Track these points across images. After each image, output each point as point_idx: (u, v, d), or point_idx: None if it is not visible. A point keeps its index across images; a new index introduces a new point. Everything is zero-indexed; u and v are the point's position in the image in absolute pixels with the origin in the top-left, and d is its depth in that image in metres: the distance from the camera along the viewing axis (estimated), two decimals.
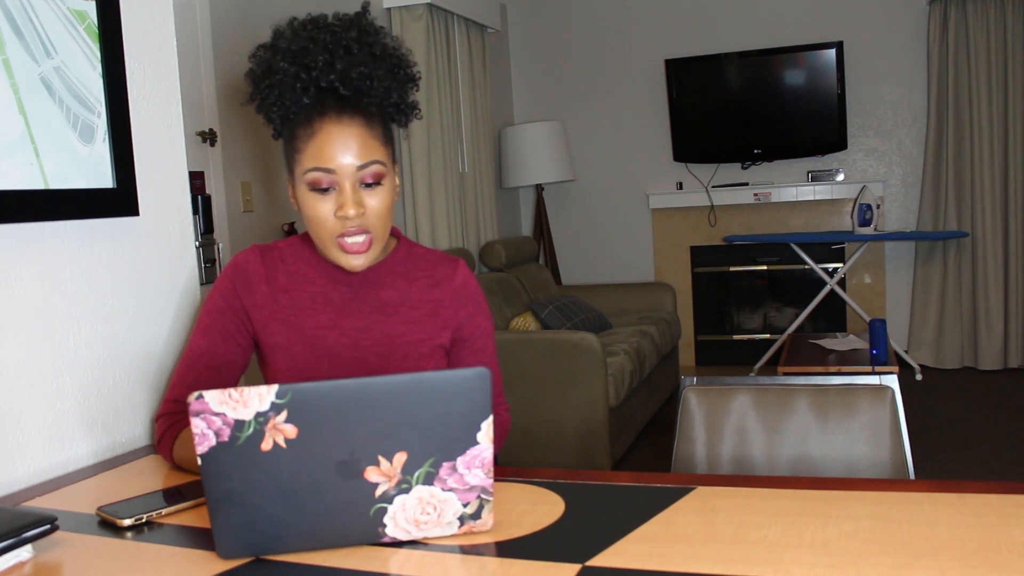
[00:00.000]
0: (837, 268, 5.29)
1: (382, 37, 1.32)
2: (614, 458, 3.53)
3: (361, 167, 1.26)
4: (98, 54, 1.44)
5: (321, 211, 1.27)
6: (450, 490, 0.97)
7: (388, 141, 1.32)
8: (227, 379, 1.39)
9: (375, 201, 1.28)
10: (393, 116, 1.35)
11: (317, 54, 1.26)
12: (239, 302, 1.38)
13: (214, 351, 1.38)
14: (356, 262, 1.30)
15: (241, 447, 0.91)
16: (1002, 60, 4.86)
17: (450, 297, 1.41)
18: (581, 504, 1.08)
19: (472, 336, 1.44)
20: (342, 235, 1.28)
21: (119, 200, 1.48)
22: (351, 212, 1.25)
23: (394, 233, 1.45)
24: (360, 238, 1.28)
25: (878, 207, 4.94)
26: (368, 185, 1.27)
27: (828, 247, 5.32)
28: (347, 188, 1.26)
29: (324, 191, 1.26)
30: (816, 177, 5.32)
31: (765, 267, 5.57)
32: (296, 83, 1.27)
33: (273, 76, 1.28)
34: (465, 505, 0.98)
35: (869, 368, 3.74)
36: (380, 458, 0.94)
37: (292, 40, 1.28)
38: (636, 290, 5.03)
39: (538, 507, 1.07)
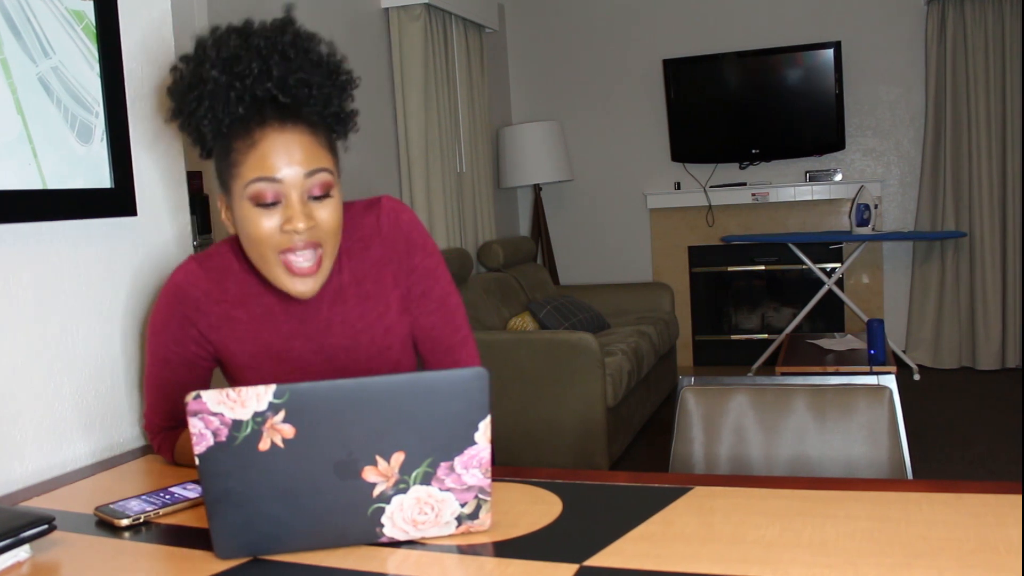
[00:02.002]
0: (835, 268, 5.30)
1: (316, 43, 1.22)
2: (612, 458, 3.53)
3: (309, 174, 1.16)
4: (96, 54, 1.44)
5: (265, 228, 1.16)
6: (448, 490, 0.97)
7: (334, 153, 1.23)
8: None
9: (326, 213, 1.18)
10: (333, 126, 1.25)
11: (250, 60, 1.16)
12: (195, 330, 1.30)
13: (182, 381, 1.32)
14: (304, 287, 1.20)
15: (239, 447, 0.91)
16: (1000, 60, 4.86)
17: (382, 250, 1.31)
18: (579, 504, 1.08)
19: (412, 284, 1.33)
20: (288, 251, 1.17)
21: (117, 200, 1.48)
22: (300, 225, 1.15)
23: None
24: (308, 254, 1.18)
25: (876, 207, 4.94)
26: (317, 198, 1.17)
27: (826, 247, 5.32)
28: (295, 200, 1.15)
29: (269, 206, 1.16)
30: (814, 177, 5.32)
31: (763, 267, 5.57)
32: (229, 92, 1.16)
33: (203, 86, 1.16)
34: (463, 505, 0.98)
35: (867, 368, 3.74)
36: (378, 458, 0.94)
37: (219, 48, 1.17)
38: (634, 290, 5.03)
39: (536, 507, 1.07)
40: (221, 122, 1.17)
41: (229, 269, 1.31)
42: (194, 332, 1.30)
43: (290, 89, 1.18)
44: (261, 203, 1.16)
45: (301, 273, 1.19)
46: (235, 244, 1.30)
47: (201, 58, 1.18)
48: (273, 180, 1.15)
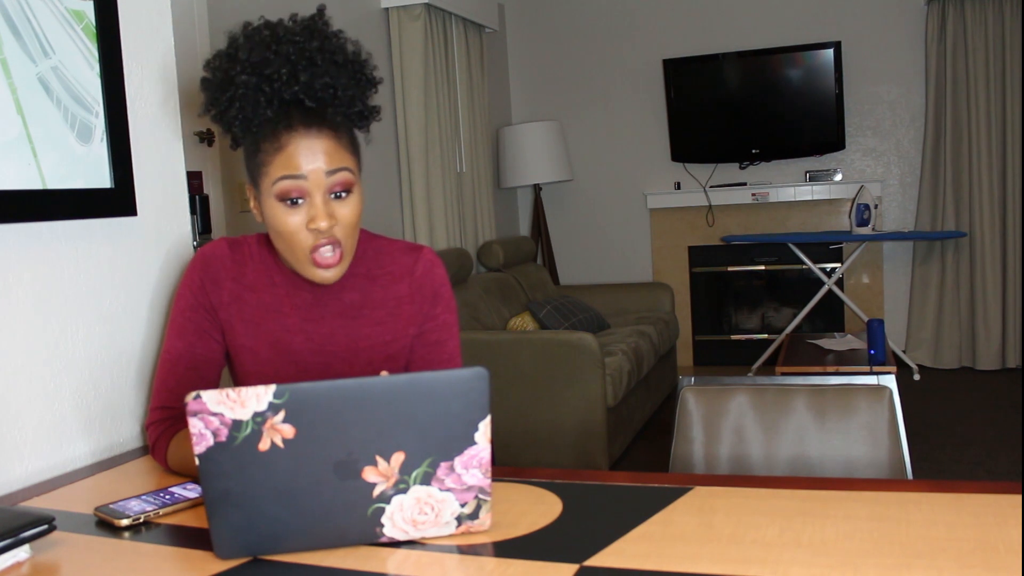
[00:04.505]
0: (835, 268, 5.29)
1: (343, 43, 1.30)
2: (612, 458, 3.53)
3: (331, 172, 1.23)
4: (96, 54, 1.44)
5: (292, 224, 1.25)
6: (448, 490, 0.97)
7: (355, 151, 1.30)
8: (208, 377, 1.37)
9: (345, 211, 1.26)
10: (356, 122, 1.33)
11: (279, 66, 1.23)
12: (208, 299, 1.36)
13: (193, 351, 1.36)
14: (328, 275, 1.28)
15: (239, 447, 0.91)
16: (1000, 60, 4.86)
17: (410, 292, 1.40)
18: (579, 504, 1.08)
19: (428, 330, 1.41)
20: (315, 248, 1.25)
21: (117, 200, 1.48)
22: (323, 224, 1.23)
23: None
24: (330, 250, 1.26)
25: (876, 207, 4.95)
26: (338, 196, 1.26)
27: (826, 247, 5.32)
28: (318, 199, 1.24)
29: (294, 203, 1.24)
30: (814, 177, 5.32)
31: (763, 267, 5.57)
32: (259, 96, 1.23)
33: (235, 89, 1.24)
34: (463, 505, 0.98)
35: (867, 368, 3.74)
36: (378, 458, 0.94)
37: (251, 50, 1.24)
38: (634, 290, 5.03)
39: (536, 507, 1.07)
40: (251, 122, 1.25)
41: (252, 258, 1.39)
42: (207, 302, 1.36)
43: (316, 93, 1.25)
44: (287, 198, 1.24)
45: (326, 264, 1.27)
46: (262, 239, 1.40)
47: (233, 57, 1.25)
48: (298, 177, 1.23)
